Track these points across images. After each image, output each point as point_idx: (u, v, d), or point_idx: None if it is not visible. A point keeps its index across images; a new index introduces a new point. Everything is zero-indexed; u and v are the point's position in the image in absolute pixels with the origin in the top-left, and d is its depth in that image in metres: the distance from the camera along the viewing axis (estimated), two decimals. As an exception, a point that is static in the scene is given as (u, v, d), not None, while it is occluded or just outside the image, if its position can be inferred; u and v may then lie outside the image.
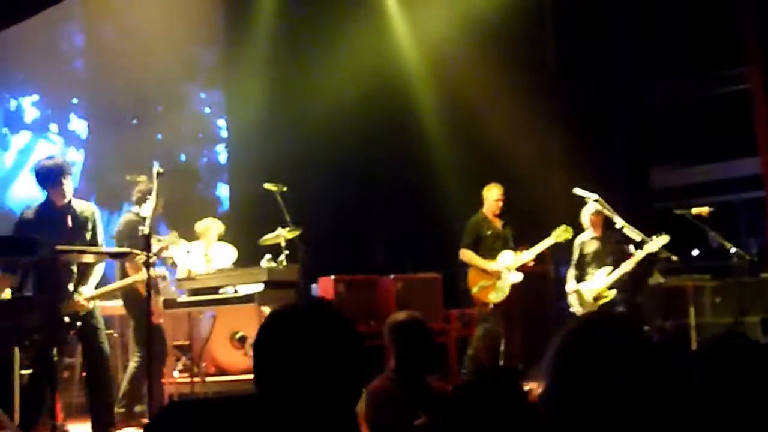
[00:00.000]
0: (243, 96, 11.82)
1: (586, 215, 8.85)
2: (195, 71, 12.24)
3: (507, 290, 8.84)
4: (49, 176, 6.46)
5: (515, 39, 11.11)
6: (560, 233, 8.81)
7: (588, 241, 8.85)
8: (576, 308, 8.79)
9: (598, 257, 8.75)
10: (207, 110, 12.48)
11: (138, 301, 7.20)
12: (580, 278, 8.84)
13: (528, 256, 8.87)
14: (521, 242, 9.06)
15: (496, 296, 8.86)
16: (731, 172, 11.14)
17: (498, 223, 9.13)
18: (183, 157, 12.12)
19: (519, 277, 8.84)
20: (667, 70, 11.47)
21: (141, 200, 7.56)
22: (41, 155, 10.48)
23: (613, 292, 8.56)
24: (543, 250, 10.12)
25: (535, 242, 8.91)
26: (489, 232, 9.07)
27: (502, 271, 8.85)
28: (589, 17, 11.25)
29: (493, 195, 9.11)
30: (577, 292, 8.74)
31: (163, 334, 7.96)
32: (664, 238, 8.25)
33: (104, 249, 6.64)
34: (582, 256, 8.87)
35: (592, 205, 8.75)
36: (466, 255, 9.05)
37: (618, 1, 11.40)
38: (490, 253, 8.98)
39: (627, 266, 8.47)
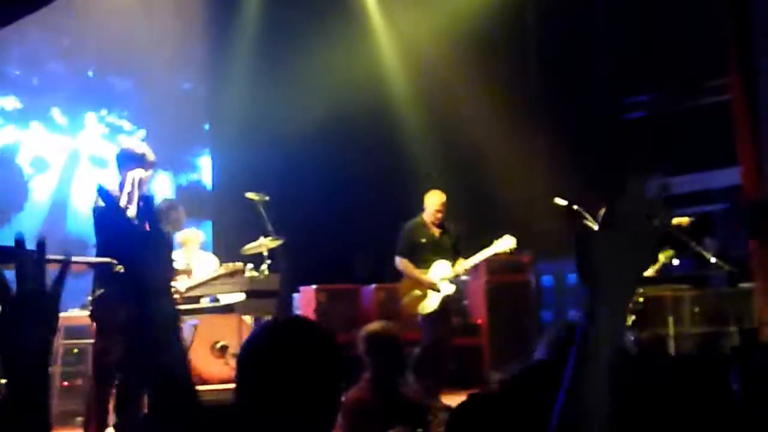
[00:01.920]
0: (225, 104, 11.84)
1: None
2: (178, 78, 12.23)
3: (438, 302, 8.49)
4: (132, 159, 6.39)
5: (497, 49, 11.17)
6: (503, 243, 8.55)
7: None
8: None
9: None
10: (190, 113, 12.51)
11: None
12: None
13: (463, 267, 8.58)
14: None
15: (426, 307, 8.50)
16: (711, 182, 11.21)
17: (436, 231, 8.69)
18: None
19: (451, 288, 8.51)
20: (647, 81, 11.53)
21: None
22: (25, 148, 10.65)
23: None
24: (524, 260, 10.17)
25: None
26: (424, 240, 8.65)
27: (435, 283, 8.48)
28: (571, 28, 11.32)
29: (432, 203, 8.69)
30: None
31: None
32: None
33: (86, 258, 6.59)
34: None
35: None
36: (402, 263, 8.66)
37: (599, 12, 11.46)
38: (424, 263, 8.59)
39: None
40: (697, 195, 11.14)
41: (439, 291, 8.49)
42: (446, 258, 8.58)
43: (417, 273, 8.56)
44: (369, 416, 4.61)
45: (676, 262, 8.68)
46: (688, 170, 11.40)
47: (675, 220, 8.53)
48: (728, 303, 8.37)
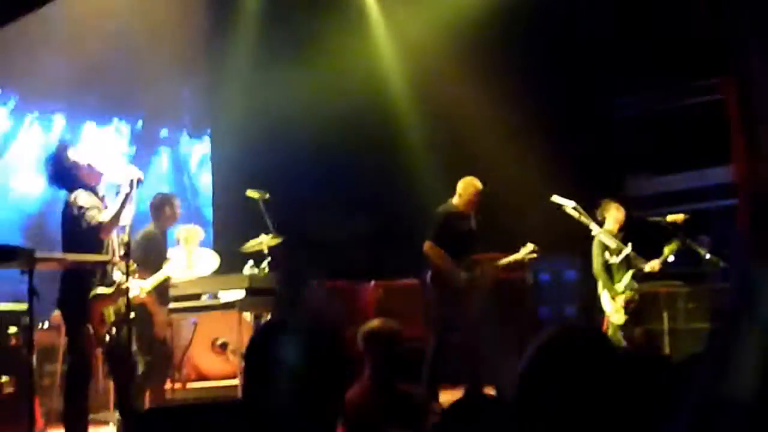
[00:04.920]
0: (226, 103, 11.90)
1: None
2: (177, 75, 12.26)
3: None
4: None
5: (494, 48, 11.19)
6: (526, 250, 8.47)
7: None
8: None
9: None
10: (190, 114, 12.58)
11: (141, 311, 7.12)
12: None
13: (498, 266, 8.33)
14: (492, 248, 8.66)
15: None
16: (705, 180, 11.27)
17: (472, 222, 8.22)
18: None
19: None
20: (640, 81, 11.56)
21: None
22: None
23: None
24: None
25: (510, 248, 8.80)
26: (465, 229, 8.07)
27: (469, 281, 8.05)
28: (565, 29, 11.37)
29: (470, 191, 8.09)
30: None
31: (168, 347, 7.80)
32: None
33: (84, 256, 6.52)
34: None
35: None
36: (434, 250, 7.90)
37: (591, 13, 11.49)
38: (460, 255, 8.02)
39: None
40: (692, 192, 11.20)
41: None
42: (476, 250, 8.21)
43: (452, 269, 7.93)
44: (368, 414, 4.64)
45: (671, 258, 8.75)
46: (682, 168, 11.45)
47: (670, 217, 8.59)
48: (723, 299, 8.44)
